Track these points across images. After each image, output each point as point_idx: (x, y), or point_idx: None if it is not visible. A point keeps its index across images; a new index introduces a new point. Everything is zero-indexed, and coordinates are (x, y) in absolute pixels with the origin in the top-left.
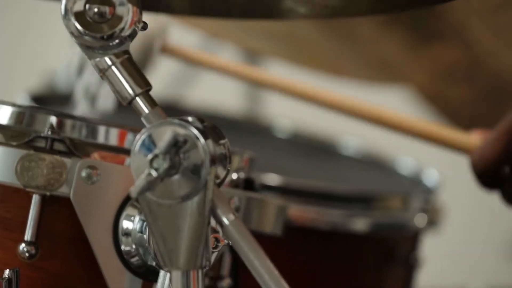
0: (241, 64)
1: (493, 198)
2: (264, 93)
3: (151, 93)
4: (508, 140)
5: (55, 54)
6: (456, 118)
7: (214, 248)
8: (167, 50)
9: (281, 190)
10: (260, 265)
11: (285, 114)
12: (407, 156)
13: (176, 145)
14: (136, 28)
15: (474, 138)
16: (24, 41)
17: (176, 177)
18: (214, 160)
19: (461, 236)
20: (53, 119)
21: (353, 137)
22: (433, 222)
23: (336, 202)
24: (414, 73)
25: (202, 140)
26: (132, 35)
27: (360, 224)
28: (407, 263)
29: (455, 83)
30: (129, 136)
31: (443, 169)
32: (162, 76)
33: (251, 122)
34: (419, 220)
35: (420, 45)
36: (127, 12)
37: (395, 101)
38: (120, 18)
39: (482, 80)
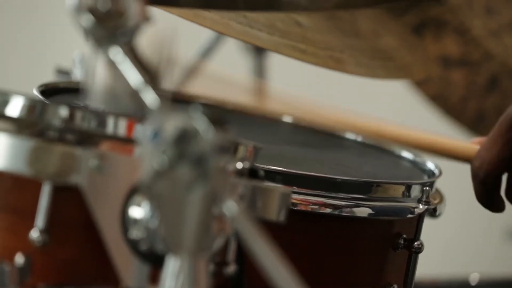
0: None
1: None
2: (269, 88)
3: (157, 83)
4: (505, 142)
5: (69, 52)
6: (459, 115)
7: (219, 235)
8: None
9: (284, 179)
10: (265, 253)
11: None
12: None
13: (182, 136)
14: (143, 20)
15: (474, 146)
16: (41, 38)
17: (182, 166)
18: (219, 150)
19: (462, 223)
20: (64, 110)
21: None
22: (433, 209)
23: (339, 189)
24: (413, 65)
25: (206, 130)
26: (139, 27)
27: (362, 209)
28: (408, 249)
29: (452, 69)
30: (138, 127)
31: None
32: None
33: (256, 113)
34: (420, 206)
35: (416, 35)
36: (133, 4)
37: (399, 100)
38: (127, 10)
39: (482, 66)
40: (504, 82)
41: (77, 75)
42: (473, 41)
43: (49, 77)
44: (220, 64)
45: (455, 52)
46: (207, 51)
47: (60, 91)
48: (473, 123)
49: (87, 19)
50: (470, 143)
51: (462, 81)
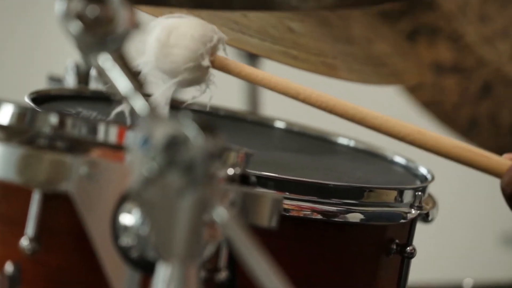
0: (284, 79)
1: (486, 191)
2: (263, 95)
3: (146, 90)
4: None
5: (61, 59)
6: (452, 121)
7: (210, 242)
8: (216, 66)
9: (276, 184)
10: (256, 259)
11: (282, 116)
12: (400, 150)
13: (171, 142)
14: (132, 26)
15: (506, 162)
16: (33, 45)
17: (172, 173)
18: (209, 157)
19: (455, 228)
20: (54, 117)
21: (347, 136)
22: (426, 214)
23: (330, 195)
24: (406, 71)
25: (196, 137)
26: (128, 33)
27: (354, 215)
28: (401, 254)
29: (445, 76)
30: (128, 134)
31: (437, 161)
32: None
33: (247, 118)
34: (412, 211)
35: (410, 41)
36: (123, 11)
37: (392, 106)
38: (116, 17)
39: (475, 73)
40: (497, 89)
41: (69, 82)
42: (466, 47)
43: (41, 84)
44: (212, 71)
45: (448, 58)
46: None
47: (52, 98)
48: (466, 130)
49: (76, 26)
50: (503, 158)
51: (455, 88)
